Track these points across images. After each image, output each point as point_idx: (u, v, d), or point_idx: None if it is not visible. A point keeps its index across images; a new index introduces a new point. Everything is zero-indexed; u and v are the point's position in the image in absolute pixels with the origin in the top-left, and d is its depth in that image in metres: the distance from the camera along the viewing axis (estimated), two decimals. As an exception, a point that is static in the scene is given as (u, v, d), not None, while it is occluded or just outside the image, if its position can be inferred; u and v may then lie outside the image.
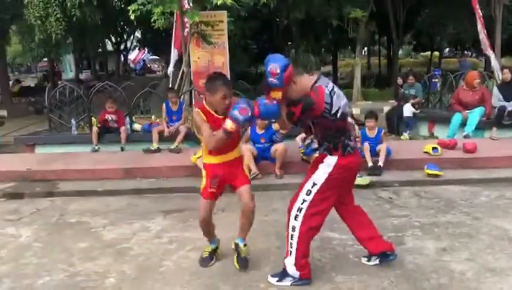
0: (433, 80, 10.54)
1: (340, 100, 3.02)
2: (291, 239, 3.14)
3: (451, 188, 5.57)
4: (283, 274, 3.26)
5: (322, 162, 3.09)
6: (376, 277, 3.32)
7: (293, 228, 3.13)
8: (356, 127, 6.11)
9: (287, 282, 3.23)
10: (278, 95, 2.91)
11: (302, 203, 3.11)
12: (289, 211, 3.18)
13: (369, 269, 3.47)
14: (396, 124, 9.20)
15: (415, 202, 5.12)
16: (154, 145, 7.18)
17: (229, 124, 3.03)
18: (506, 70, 8.12)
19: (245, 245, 3.51)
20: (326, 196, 3.11)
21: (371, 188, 5.63)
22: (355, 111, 9.84)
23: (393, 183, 5.77)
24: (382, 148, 6.18)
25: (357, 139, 6.26)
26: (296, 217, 3.12)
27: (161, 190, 5.86)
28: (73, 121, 8.27)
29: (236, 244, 3.53)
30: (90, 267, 3.71)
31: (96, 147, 7.54)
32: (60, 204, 5.53)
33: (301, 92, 2.97)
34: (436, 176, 5.81)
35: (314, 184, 3.09)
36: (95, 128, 7.68)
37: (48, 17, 11.20)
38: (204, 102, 3.29)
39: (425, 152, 6.48)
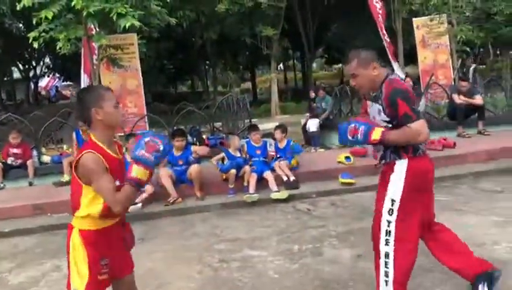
0: None
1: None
2: (386, 267, 2.74)
3: (365, 194, 5.79)
4: None
5: (393, 171, 2.73)
6: (296, 292, 3.36)
7: (386, 255, 2.74)
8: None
9: None
10: None
11: (388, 226, 2.73)
12: (376, 237, 2.82)
13: (289, 284, 3.49)
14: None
15: (331, 212, 5.28)
16: (66, 177, 6.81)
17: (139, 173, 2.15)
18: (408, 79, 8.74)
19: None
20: (411, 209, 2.73)
21: (289, 201, 5.73)
22: (274, 125, 10.00)
23: (311, 194, 5.92)
24: (284, 164, 6.28)
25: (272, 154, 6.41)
26: (386, 242, 2.74)
27: (75, 225, 5.54)
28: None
29: None
30: None
31: (2, 185, 7.02)
32: (-40, 251, 5.05)
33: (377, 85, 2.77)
34: (350, 184, 6.05)
35: (393, 201, 2.72)
36: (-2, 165, 7.15)
37: None
38: (92, 137, 2.28)
39: (339, 162, 6.73)
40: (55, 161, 7.57)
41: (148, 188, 5.88)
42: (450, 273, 3.06)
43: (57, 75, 30.64)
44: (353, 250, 4.06)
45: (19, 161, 7.30)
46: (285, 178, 6.12)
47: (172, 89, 28.75)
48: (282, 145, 6.59)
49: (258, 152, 6.39)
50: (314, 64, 30.61)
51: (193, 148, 6.47)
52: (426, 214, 2.87)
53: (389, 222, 2.73)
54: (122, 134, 8.37)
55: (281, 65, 34.74)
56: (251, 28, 15.40)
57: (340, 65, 32.60)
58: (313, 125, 8.91)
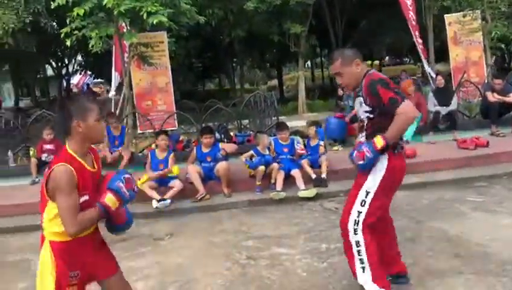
0: None
1: None
2: (360, 254, 2.87)
3: (396, 193, 5.69)
4: None
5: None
6: (324, 290, 3.34)
7: (357, 243, 2.87)
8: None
9: None
10: None
11: (358, 216, 2.86)
12: (344, 229, 2.93)
13: (317, 283, 3.48)
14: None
15: (360, 211, 5.22)
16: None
17: (113, 203, 2.15)
18: (439, 77, 8.53)
19: None
20: (382, 202, 2.92)
21: (317, 199, 5.70)
22: (301, 123, 9.96)
23: (339, 193, 5.86)
24: (323, 159, 6.27)
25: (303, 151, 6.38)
26: (355, 231, 2.87)
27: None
28: (9, 153, 7.89)
29: None
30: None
31: (36, 179, 7.21)
32: (-3, 242, 5.23)
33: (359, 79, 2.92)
34: (379, 183, 5.96)
35: (368, 193, 2.86)
36: (33, 160, 7.35)
37: (-21, 46, 10.74)
38: (68, 147, 2.21)
39: (368, 160, 6.63)
40: (86, 156, 7.74)
41: (177, 184, 5.95)
42: (481, 274, 3.01)
43: (89, 72, 31.22)
44: (382, 250, 4.00)
45: (52, 157, 7.48)
46: (313, 175, 6.09)
47: (200, 86, 28.95)
48: (314, 142, 6.54)
49: (286, 150, 6.37)
50: (342, 62, 30.28)
51: (221, 145, 6.51)
52: (387, 208, 3.11)
53: (359, 213, 2.87)
54: (152, 130, 8.52)
55: (309, 62, 34.53)
56: (279, 26, 15.34)
57: (369, 62, 32.17)
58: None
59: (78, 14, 7.39)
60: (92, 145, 2.36)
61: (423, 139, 8.09)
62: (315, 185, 6.02)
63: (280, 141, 6.44)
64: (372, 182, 2.86)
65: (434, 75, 9.62)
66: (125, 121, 8.50)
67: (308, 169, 6.17)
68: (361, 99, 2.91)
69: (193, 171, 6.05)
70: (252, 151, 6.37)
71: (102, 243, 2.46)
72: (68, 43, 7.83)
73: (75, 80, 37.29)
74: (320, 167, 6.25)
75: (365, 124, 2.98)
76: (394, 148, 2.84)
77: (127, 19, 7.79)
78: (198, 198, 5.90)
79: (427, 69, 10.97)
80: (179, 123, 10.12)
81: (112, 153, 7.32)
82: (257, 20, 14.85)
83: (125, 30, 8.43)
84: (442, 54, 15.75)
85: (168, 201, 5.79)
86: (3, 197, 6.55)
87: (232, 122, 9.19)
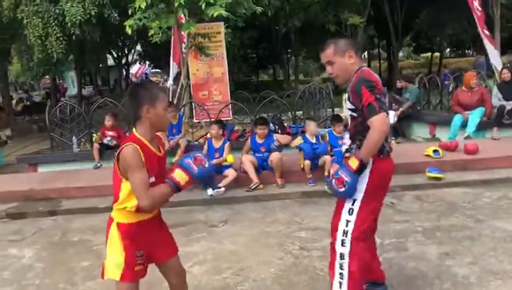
0: (445, 82, 10.52)
1: None
2: (342, 268, 2.68)
3: (454, 190, 5.54)
4: None
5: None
6: (378, 285, 3.30)
7: (341, 255, 2.68)
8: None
9: None
10: None
11: (346, 226, 2.68)
12: (333, 236, 2.77)
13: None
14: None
15: (416, 207, 5.10)
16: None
17: (182, 177, 2.23)
18: (505, 70, 8.12)
19: None
20: (371, 208, 2.72)
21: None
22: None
23: (395, 188, 5.72)
24: None
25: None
26: (342, 242, 2.68)
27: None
28: (74, 139, 8.31)
29: None
30: (92, 286, 3.71)
31: (99, 164, 7.56)
32: (62, 223, 5.54)
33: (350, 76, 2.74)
34: (438, 179, 5.79)
35: (354, 200, 2.67)
36: (96, 145, 7.71)
37: (48, 37, 11.32)
38: (135, 132, 2.33)
39: (427, 155, 6.45)
40: (145, 144, 8.00)
41: (231, 173, 6.05)
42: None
43: (147, 62, 32.19)
44: (440, 247, 3.90)
45: (115, 142, 7.81)
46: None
47: (254, 77, 29.04)
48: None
49: (340, 142, 6.30)
50: (400, 53, 29.44)
51: (275, 136, 6.53)
52: (377, 215, 2.86)
53: (347, 222, 2.68)
54: (208, 120, 8.68)
55: (365, 54, 33.78)
56: (335, 16, 15.11)
57: (429, 54, 31.00)
58: (390, 116, 8.64)
59: (140, 7, 7.64)
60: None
61: (486, 134, 7.75)
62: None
63: (335, 134, 6.37)
64: (357, 189, 2.65)
65: (499, 68, 9.13)
66: (182, 110, 8.71)
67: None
68: (346, 95, 2.76)
69: (247, 161, 6.12)
70: (300, 137, 6.38)
71: (163, 226, 2.57)
72: (129, 31, 8.11)
73: (134, 69, 38.58)
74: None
75: (349, 123, 2.82)
76: (380, 153, 2.66)
77: (186, 9, 7.95)
78: (252, 187, 5.97)
79: (493, 61, 10.40)
80: (234, 113, 10.24)
81: (169, 141, 7.53)
82: (314, 9, 14.70)
83: (183, 21, 8.61)
84: (508, 46, 14.92)
85: (223, 189, 5.90)
86: (67, 180, 6.91)
87: (286, 113, 9.18)
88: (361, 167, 2.55)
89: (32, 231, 5.26)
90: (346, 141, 2.85)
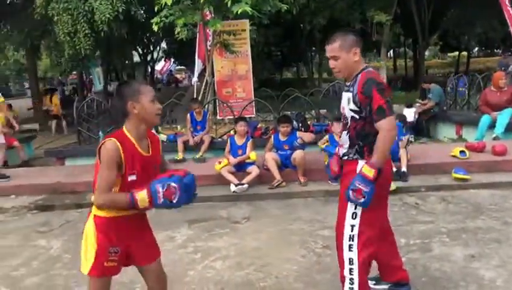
0: (459, 89, 10.31)
1: None
2: (351, 274, 2.67)
3: (480, 192, 5.43)
4: None
5: (356, 174, 2.62)
6: (401, 285, 3.27)
7: (350, 261, 2.66)
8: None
9: None
10: None
11: (351, 231, 2.66)
12: (338, 242, 2.74)
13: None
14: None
15: (442, 208, 5.02)
16: (180, 155, 7.28)
17: (143, 200, 2.16)
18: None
19: None
20: (375, 211, 2.68)
21: (396, 193, 5.54)
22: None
23: (419, 188, 5.67)
24: (403, 153, 6.07)
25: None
26: (350, 247, 2.66)
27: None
28: (100, 133, 8.47)
29: None
30: (117, 277, 3.77)
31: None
32: (88, 215, 5.65)
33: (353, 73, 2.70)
34: (464, 180, 5.68)
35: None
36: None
37: (77, 33, 11.55)
38: (124, 128, 2.32)
39: (453, 156, 6.34)
40: (170, 139, 8.08)
41: (254, 170, 6.07)
42: None
43: (172, 59, 32.52)
44: (466, 249, 3.84)
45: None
46: (393, 169, 5.92)
47: (278, 75, 29.03)
48: None
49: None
50: (426, 52, 28.96)
51: (298, 134, 6.52)
52: (385, 217, 2.90)
53: (352, 226, 2.66)
54: (232, 117, 8.72)
55: (391, 52, 33.38)
56: (361, 13, 14.95)
57: (456, 53, 30.40)
58: (409, 114, 8.56)
59: (166, 4, 7.72)
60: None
61: (516, 136, 7.58)
62: (394, 179, 5.85)
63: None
64: None
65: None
66: (206, 107, 8.78)
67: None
68: (349, 95, 2.68)
69: (270, 158, 6.13)
70: (327, 136, 6.36)
71: (146, 228, 2.53)
72: (155, 28, 8.21)
73: (159, 66, 39.05)
74: (399, 160, 6.07)
75: (349, 124, 2.74)
76: None
77: (211, 6, 8.00)
78: (275, 185, 5.97)
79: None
80: (257, 111, 10.27)
81: (193, 137, 7.60)
82: (339, 7, 14.60)
83: (209, 18, 8.67)
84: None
85: (246, 186, 5.93)
86: (93, 174, 7.03)
87: (310, 111, 9.15)
88: (378, 174, 2.52)
89: (59, 223, 5.39)
90: (343, 141, 2.80)
